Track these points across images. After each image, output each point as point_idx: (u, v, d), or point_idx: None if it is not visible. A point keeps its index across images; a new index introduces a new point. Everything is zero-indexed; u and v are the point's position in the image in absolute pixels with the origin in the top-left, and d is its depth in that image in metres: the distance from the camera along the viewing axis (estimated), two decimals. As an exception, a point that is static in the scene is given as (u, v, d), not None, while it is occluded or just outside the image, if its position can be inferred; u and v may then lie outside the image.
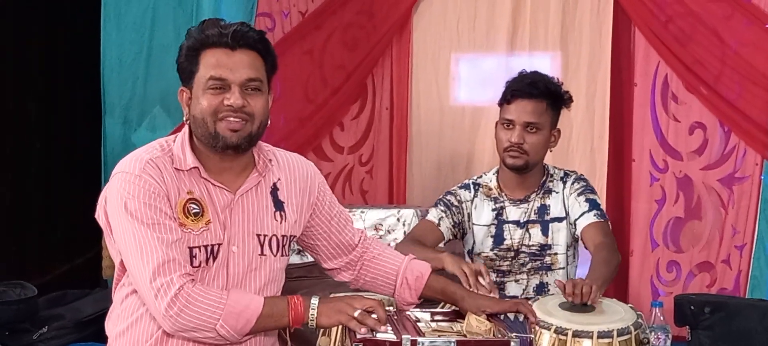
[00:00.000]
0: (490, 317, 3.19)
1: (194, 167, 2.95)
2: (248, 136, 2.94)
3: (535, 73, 4.10)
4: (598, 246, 3.86)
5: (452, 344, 2.84)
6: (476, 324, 3.15)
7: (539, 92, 4.00)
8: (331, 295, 3.31)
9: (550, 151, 4.13)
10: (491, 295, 3.40)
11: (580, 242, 4.13)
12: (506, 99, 4.05)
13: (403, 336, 2.81)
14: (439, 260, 3.64)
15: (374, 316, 2.89)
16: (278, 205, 3.09)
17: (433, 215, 4.14)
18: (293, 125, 5.94)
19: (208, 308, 2.79)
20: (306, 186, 3.20)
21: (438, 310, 3.41)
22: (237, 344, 2.91)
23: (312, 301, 2.91)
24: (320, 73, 6.04)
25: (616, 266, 3.82)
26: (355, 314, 2.88)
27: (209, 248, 2.93)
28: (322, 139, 6.11)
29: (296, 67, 5.94)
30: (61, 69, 6.32)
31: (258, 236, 3.03)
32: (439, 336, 3.04)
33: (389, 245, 3.75)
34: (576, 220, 4.03)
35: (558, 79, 4.15)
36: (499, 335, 3.01)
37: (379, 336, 2.86)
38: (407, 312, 3.25)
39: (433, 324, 3.24)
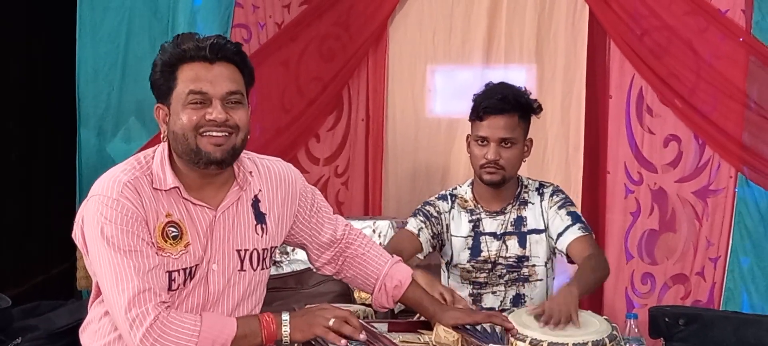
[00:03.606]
0: (456, 328, 3.19)
1: (174, 187, 2.91)
2: (232, 150, 2.90)
3: (504, 87, 4.09)
4: (588, 257, 3.87)
5: None
6: (444, 335, 3.16)
7: (511, 106, 4.00)
8: (307, 306, 3.30)
9: (524, 161, 4.14)
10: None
11: (558, 255, 4.14)
12: (478, 116, 4.04)
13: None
14: None
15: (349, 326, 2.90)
16: (260, 217, 3.07)
17: (413, 225, 4.12)
18: (269, 136, 5.94)
19: (183, 337, 2.75)
20: (288, 194, 3.18)
21: (393, 320, 3.41)
22: None
23: (283, 317, 2.89)
24: (296, 84, 6.03)
25: (603, 276, 3.87)
26: (331, 324, 2.88)
27: (188, 270, 2.90)
28: (297, 151, 6.10)
29: (272, 78, 5.94)
30: (39, 80, 6.29)
31: (238, 251, 3.01)
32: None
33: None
34: (559, 235, 4.03)
35: (526, 89, 4.14)
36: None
37: None
38: (372, 324, 3.24)
39: (399, 336, 3.23)
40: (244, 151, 3.04)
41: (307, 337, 2.92)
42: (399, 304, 3.45)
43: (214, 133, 2.85)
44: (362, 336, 2.89)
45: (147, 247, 2.81)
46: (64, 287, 5.91)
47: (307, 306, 3.19)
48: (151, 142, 5.25)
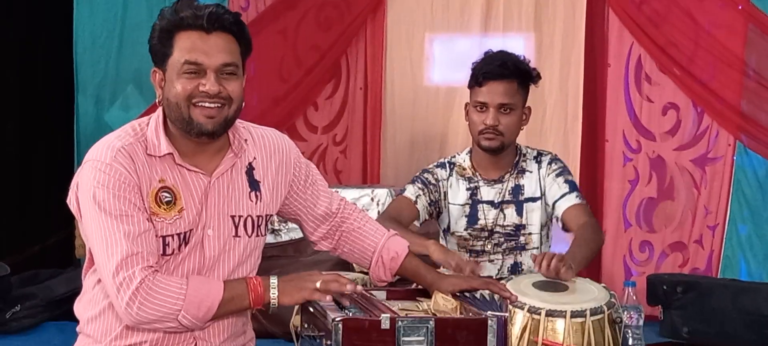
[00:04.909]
0: (455, 296, 3.19)
1: (168, 153, 2.91)
2: (224, 122, 2.89)
3: (503, 53, 4.10)
4: (582, 226, 3.88)
5: (431, 323, 2.81)
6: (443, 302, 3.15)
7: (510, 72, 4.00)
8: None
9: (522, 129, 4.14)
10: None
11: (554, 222, 4.14)
12: (477, 82, 4.04)
13: (383, 316, 2.79)
14: (423, 247, 3.62)
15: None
16: (254, 185, 3.06)
17: (411, 191, 4.12)
18: (267, 105, 5.93)
19: (168, 300, 2.75)
20: (282, 163, 3.17)
21: (392, 288, 3.41)
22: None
23: (272, 280, 2.89)
24: (294, 53, 6.02)
25: (597, 247, 3.89)
26: (317, 285, 2.88)
27: (182, 235, 2.90)
28: (296, 119, 6.09)
29: (270, 47, 5.92)
30: (37, 49, 6.28)
31: (232, 217, 3.00)
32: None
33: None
34: (556, 201, 4.04)
35: (525, 57, 4.15)
36: (470, 314, 3.00)
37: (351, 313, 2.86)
38: (371, 292, 3.24)
39: (397, 303, 3.22)
40: (239, 120, 3.04)
41: (295, 301, 2.92)
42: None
43: (207, 105, 2.85)
44: (349, 288, 2.89)
45: (138, 212, 2.81)
46: (62, 255, 5.92)
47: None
48: (149, 111, 5.24)
